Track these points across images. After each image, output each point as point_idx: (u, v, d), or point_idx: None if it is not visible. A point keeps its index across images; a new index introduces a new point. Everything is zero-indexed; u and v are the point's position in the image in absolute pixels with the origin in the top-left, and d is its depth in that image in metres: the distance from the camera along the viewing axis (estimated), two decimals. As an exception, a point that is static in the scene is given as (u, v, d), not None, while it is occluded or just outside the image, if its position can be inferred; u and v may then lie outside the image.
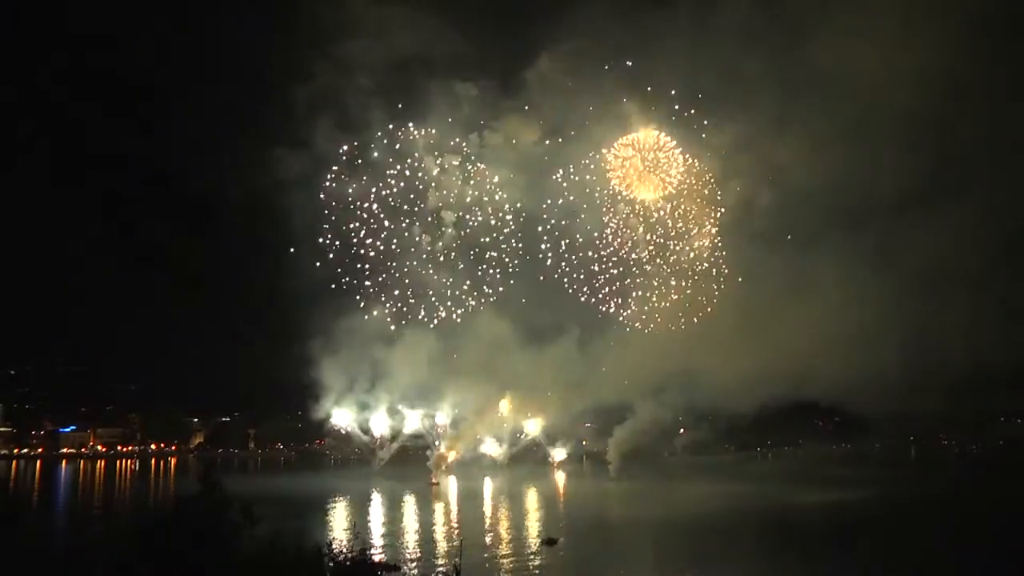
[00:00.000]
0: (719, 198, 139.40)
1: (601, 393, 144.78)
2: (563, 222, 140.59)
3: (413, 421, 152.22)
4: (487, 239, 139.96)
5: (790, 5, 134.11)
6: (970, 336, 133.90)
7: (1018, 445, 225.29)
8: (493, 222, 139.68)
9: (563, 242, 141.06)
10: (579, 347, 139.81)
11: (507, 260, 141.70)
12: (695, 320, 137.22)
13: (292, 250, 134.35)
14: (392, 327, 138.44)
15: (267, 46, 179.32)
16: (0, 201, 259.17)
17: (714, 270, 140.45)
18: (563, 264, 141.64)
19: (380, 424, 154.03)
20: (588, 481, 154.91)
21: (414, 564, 68.85)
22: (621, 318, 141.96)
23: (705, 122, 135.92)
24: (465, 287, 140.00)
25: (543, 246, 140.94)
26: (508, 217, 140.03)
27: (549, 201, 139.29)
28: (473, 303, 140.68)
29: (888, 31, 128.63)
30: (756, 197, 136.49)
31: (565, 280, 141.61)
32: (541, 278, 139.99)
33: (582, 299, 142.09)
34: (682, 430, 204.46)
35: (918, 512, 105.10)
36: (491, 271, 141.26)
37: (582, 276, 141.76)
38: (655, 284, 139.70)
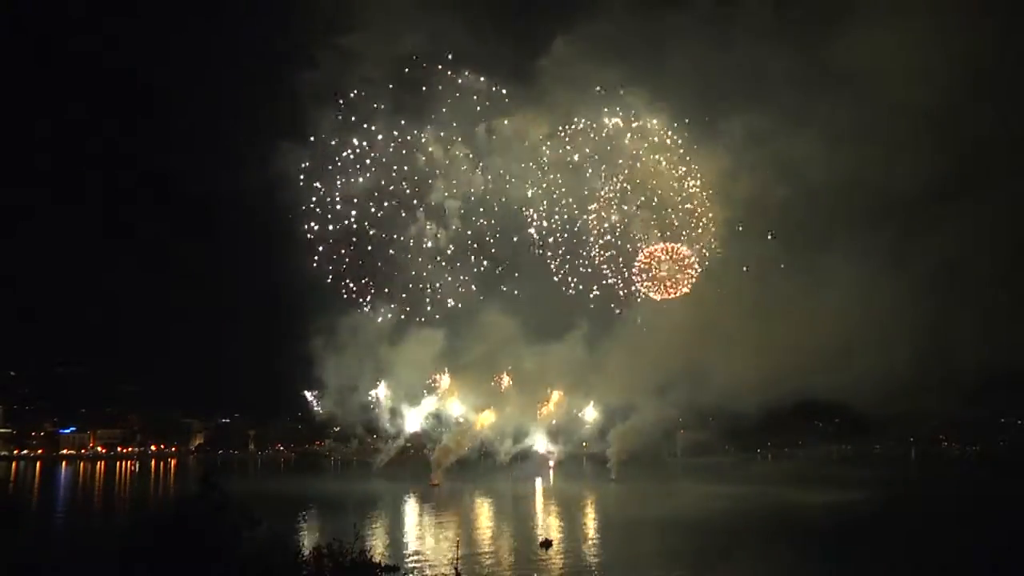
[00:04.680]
0: (731, 194, 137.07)
1: (606, 392, 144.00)
2: (569, 215, 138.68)
3: (414, 421, 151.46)
4: (496, 233, 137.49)
5: (810, 2, 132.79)
6: (979, 338, 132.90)
7: (1018, 446, 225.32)
8: (500, 215, 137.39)
9: (568, 236, 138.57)
10: (585, 345, 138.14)
11: (514, 254, 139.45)
12: (702, 319, 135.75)
13: (293, 247, 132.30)
14: (395, 324, 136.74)
15: (270, 38, 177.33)
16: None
17: (723, 267, 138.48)
18: (570, 257, 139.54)
19: (381, 424, 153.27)
20: (588, 482, 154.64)
21: (414, 564, 68.96)
22: (626, 313, 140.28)
23: (715, 120, 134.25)
24: (469, 281, 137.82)
25: (549, 240, 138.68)
26: (514, 209, 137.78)
27: (557, 193, 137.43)
28: (479, 299, 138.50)
29: (909, 29, 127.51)
30: (769, 193, 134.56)
31: (573, 275, 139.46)
32: (553, 267, 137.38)
33: (590, 295, 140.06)
34: (682, 431, 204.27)
35: (917, 512, 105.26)
36: (497, 266, 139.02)
37: (591, 269, 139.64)
38: (663, 282, 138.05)
